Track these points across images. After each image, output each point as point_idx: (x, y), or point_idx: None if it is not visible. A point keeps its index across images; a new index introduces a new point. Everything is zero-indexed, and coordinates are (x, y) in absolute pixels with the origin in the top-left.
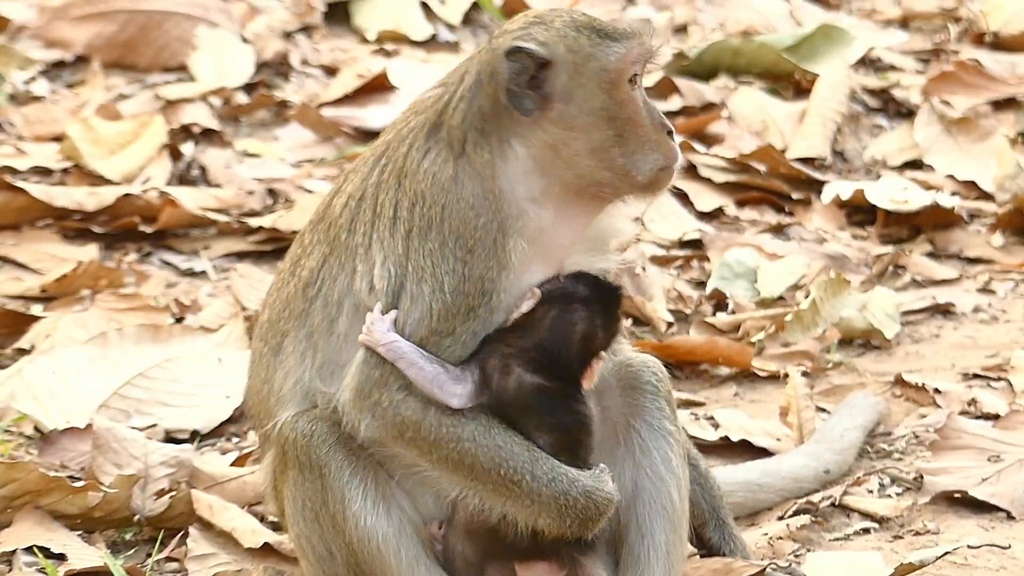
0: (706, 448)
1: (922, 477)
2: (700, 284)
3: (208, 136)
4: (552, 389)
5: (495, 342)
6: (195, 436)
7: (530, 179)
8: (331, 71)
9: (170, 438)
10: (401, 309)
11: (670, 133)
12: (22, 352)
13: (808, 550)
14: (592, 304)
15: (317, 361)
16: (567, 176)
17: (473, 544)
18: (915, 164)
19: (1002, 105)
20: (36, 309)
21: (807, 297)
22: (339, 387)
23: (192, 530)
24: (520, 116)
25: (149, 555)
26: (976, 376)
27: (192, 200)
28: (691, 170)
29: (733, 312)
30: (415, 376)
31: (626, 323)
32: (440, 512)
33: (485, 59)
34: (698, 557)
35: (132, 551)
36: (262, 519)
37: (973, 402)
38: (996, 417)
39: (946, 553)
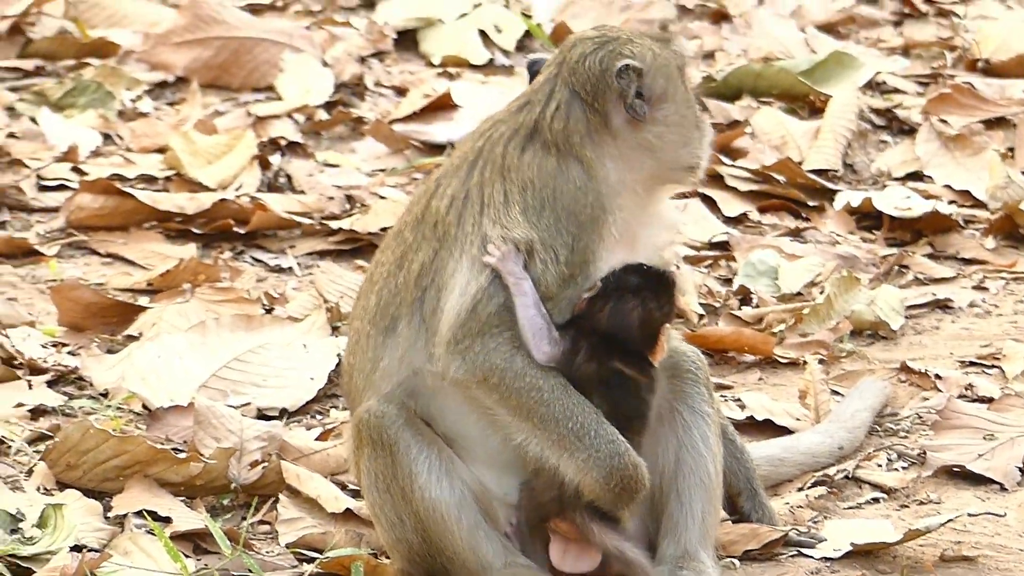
0: (734, 426)
1: (925, 453)
2: (727, 281)
3: (293, 148)
4: (627, 377)
5: (580, 320)
6: (283, 414)
7: (621, 172)
8: (401, 91)
9: (261, 415)
10: None
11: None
12: (131, 339)
13: (825, 517)
14: (643, 291)
15: (427, 341)
16: (657, 168)
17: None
18: (916, 175)
19: (993, 124)
20: (143, 301)
21: (822, 293)
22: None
23: (282, 497)
24: (614, 122)
25: (244, 519)
26: (972, 364)
27: (279, 205)
28: (718, 180)
29: (757, 306)
30: (523, 318)
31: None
32: (505, 476)
33: (579, 76)
34: (730, 523)
35: (228, 515)
36: (343, 487)
37: (970, 387)
38: (990, 400)
39: (948, 520)
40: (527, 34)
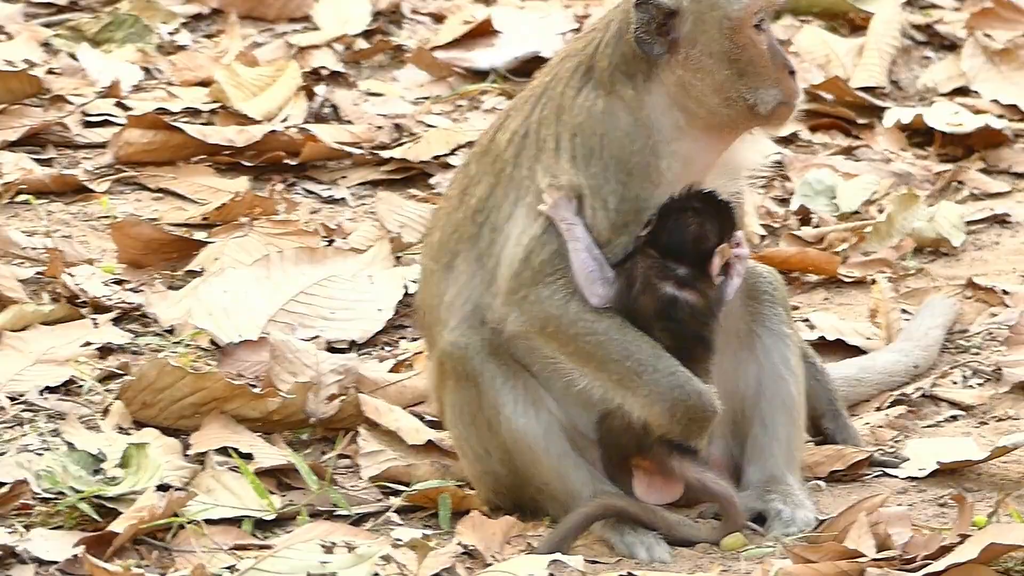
0: None
1: (1000, 369)
2: (783, 201)
3: (335, 78)
4: (682, 301)
5: (636, 254)
6: (353, 346)
7: (672, 112)
8: (438, 18)
9: (331, 348)
10: None
11: (792, 73)
12: (192, 274)
13: (906, 437)
14: (698, 211)
15: (485, 279)
16: (699, 111)
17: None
18: (962, 91)
19: None
20: (199, 236)
21: (881, 212)
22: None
23: (361, 430)
24: (654, 59)
25: (324, 453)
26: None
27: (329, 135)
28: None
29: (817, 226)
30: (576, 262)
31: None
32: (584, 413)
33: (624, 8)
34: (814, 444)
35: (308, 451)
36: (421, 419)
37: None
38: None
39: None
40: None
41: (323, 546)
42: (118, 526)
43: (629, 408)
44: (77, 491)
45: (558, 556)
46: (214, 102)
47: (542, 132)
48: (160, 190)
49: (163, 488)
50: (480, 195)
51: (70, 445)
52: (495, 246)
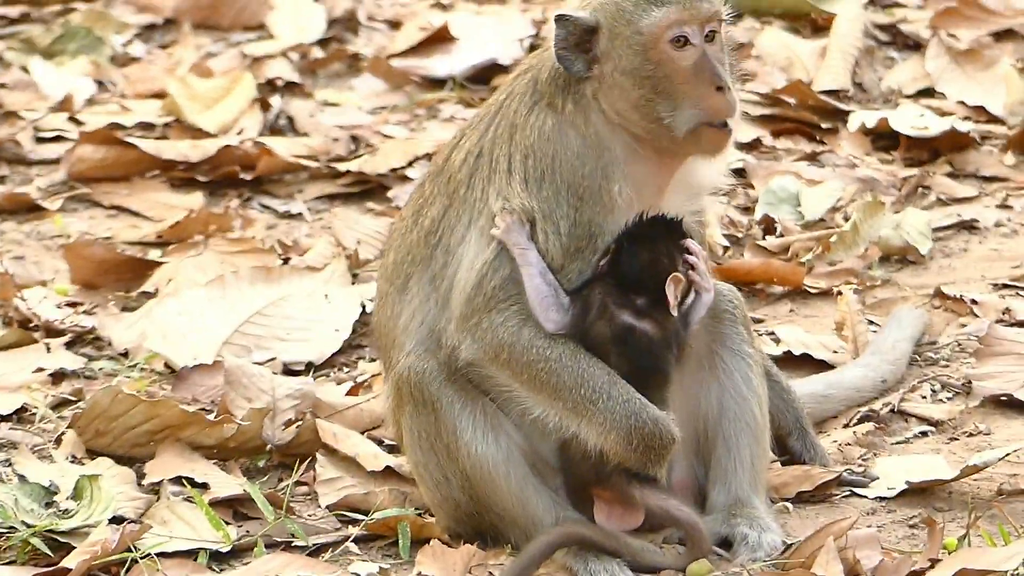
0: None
1: (970, 382)
2: (747, 210)
3: (291, 88)
4: (639, 331)
5: (593, 281)
6: (310, 367)
7: (613, 130)
8: (395, 25)
9: (288, 370)
10: None
11: (720, 90)
12: (146, 295)
13: (874, 454)
14: (653, 239)
15: (438, 301)
16: (633, 131)
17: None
18: (927, 92)
19: (1001, 36)
20: (154, 254)
21: (847, 219)
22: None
23: (319, 456)
24: (574, 77)
25: (281, 480)
26: (1006, 286)
27: (284, 148)
28: None
29: (781, 235)
30: (530, 287)
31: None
32: (544, 439)
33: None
34: (779, 464)
35: (265, 478)
36: (380, 443)
37: (1007, 311)
38: None
39: (1006, 455)
40: None
41: None
42: (71, 561)
43: (585, 436)
44: (29, 525)
45: None
46: (168, 115)
47: (495, 152)
48: (114, 207)
49: (117, 520)
50: (434, 216)
51: (21, 477)
52: (448, 269)
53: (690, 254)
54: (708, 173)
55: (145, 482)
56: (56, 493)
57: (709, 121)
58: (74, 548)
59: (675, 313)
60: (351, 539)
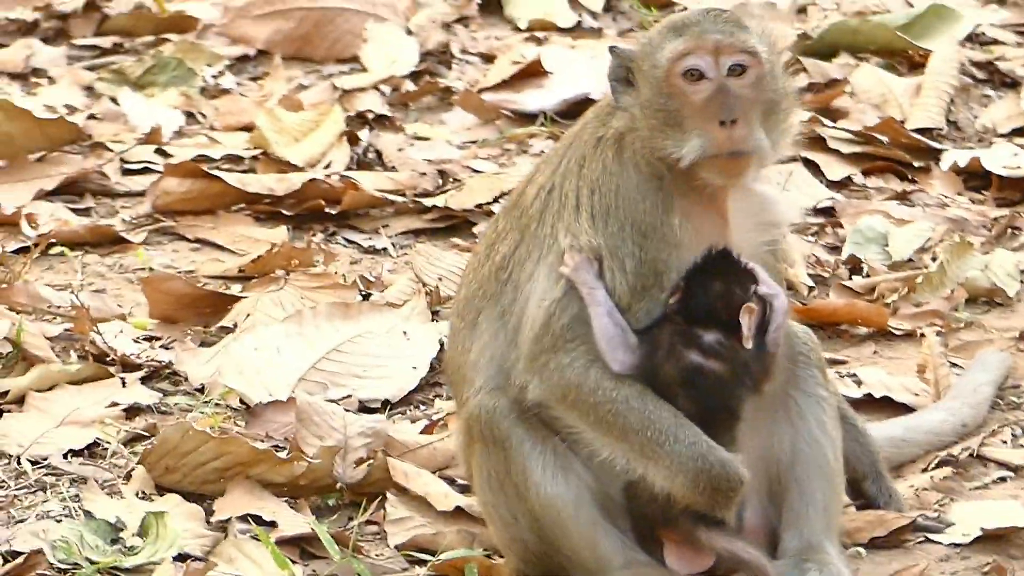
0: (852, 404)
1: None
2: (834, 249)
3: (381, 122)
4: (707, 370)
5: (662, 321)
6: (386, 405)
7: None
8: (488, 58)
9: (363, 408)
10: None
11: (724, 124)
12: (225, 330)
13: (951, 499)
14: (723, 273)
15: (507, 338)
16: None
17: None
18: (1022, 131)
19: None
20: (235, 288)
21: (934, 260)
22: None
23: (389, 495)
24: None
25: (351, 519)
26: None
27: (370, 183)
28: (820, 142)
29: (867, 275)
30: (598, 327)
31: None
32: (614, 479)
33: None
34: (854, 509)
35: (335, 516)
36: (452, 482)
37: None
38: None
39: None
40: None
41: None
42: None
43: (652, 479)
44: (93, 562)
45: None
46: (255, 148)
47: (565, 187)
48: (198, 240)
49: (182, 558)
50: (504, 251)
51: (88, 513)
52: (516, 305)
53: (759, 283)
54: (779, 206)
55: (213, 519)
56: (123, 530)
57: (716, 152)
58: None
59: (748, 345)
60: None
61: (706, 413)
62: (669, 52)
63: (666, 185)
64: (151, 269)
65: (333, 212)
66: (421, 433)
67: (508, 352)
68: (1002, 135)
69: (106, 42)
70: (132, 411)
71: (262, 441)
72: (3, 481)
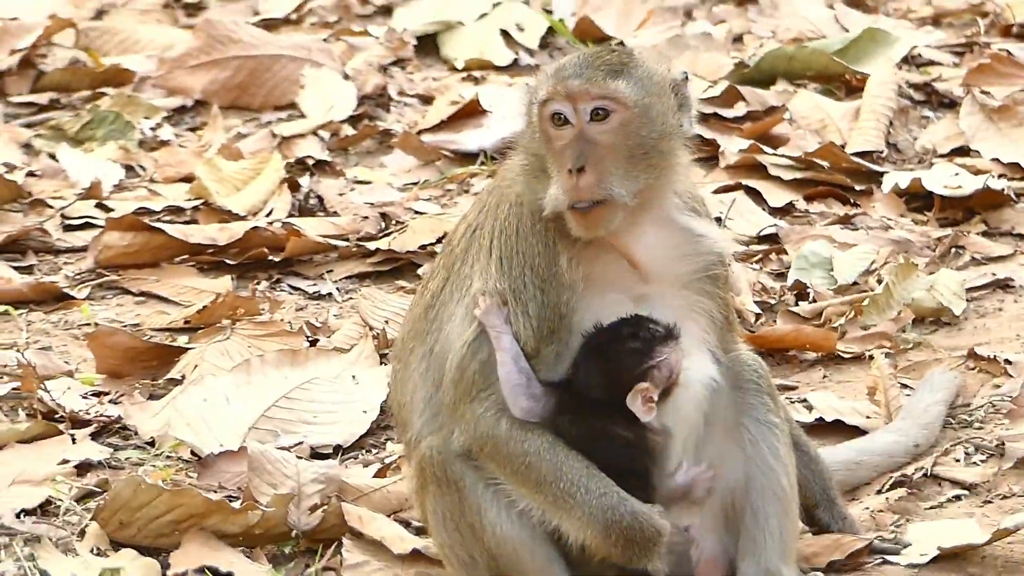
0: (803, 429)
1: (1003, 444)
2: (780, 275)
3: (321, 167)
4: (611, 434)
5: (567, 382)
6: (338, 450)
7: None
8: (426, 99)
9: (315, 454)
10: None
11: (571, 172)
12: (173, 382)
13: (907, 520)
14: (608, 345)
15: (435, 379)
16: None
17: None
18: (962, 151)
19: None
20: (181, 340)
21: (880, 282)
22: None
23: (345, 540)
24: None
25: (307, 566)
26: None
27: (313, 229)
28: (761, 170)
29: (814, 300)
30: (502, 373)
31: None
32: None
33: None
34: (810, 535)
35: (291, 564)
36: (407, 525)
37: None
38: None
39: None
40: (550, 31)
41: None
42: None
43: (566, 530)
44: None
45: None
46: (196, 198)
47: (485, 227)
48: (142, 293)
49: None
50: (434, 289)
51: (44, 573)
52: (439, 345)
53: (662, 349)
54: (706, 238)
55: (170, 573)
56: None
57: (568, 203)
58: None
59: (646, 420)
60: None
61: (616, 471)
62: (540, 95)
63: (553, 227)
64: (96, 324)
65: (276, 259)
66: (374, 477)
67: (436, 394)
68: (942, 155)
69: (43, 98)
70: (83, 467)
71: (215, 492)
72: None
